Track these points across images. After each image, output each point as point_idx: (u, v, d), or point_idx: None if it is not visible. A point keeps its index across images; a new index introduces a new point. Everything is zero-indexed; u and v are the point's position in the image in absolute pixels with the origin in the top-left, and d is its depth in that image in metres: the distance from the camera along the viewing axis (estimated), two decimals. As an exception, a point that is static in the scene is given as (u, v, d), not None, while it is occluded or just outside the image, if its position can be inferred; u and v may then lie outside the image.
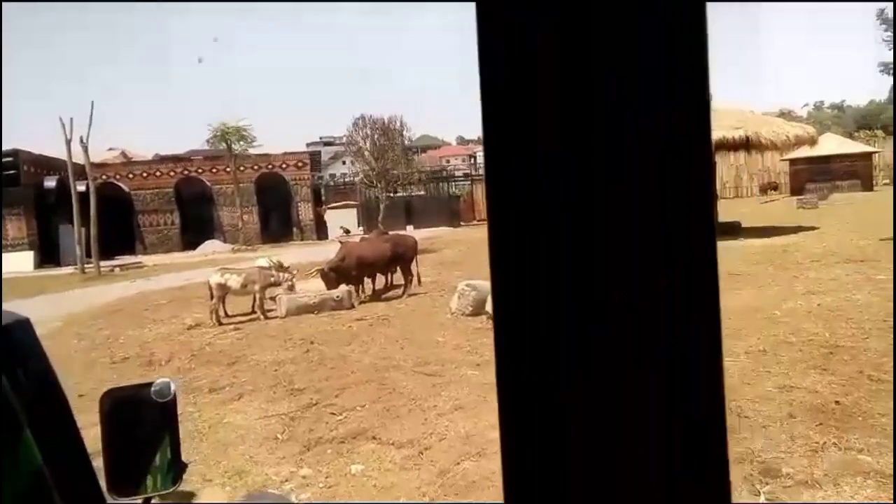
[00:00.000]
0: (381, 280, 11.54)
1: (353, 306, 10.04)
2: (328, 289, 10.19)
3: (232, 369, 6.94)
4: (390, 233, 13.72)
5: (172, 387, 0.84)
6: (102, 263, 21.22)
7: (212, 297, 9.83)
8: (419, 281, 11.08)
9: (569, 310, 0.41)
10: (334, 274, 10.30)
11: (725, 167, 32.76)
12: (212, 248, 28.71)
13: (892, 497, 3.16)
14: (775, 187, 31.75)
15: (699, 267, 0.42)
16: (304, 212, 33.03)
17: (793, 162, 30.34)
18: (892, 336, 5.47)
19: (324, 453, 4.41)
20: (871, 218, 16.97)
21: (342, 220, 32.75)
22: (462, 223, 32.72)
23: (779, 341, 5.96)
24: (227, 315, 10.15)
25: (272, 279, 9.99)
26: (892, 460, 3.44)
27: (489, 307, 6.73)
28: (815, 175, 29.48)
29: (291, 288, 10.03)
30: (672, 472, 0.41)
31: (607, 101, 0.40)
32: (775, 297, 7.86)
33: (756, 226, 16.58)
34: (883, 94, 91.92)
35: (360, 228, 32.30)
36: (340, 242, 10.98)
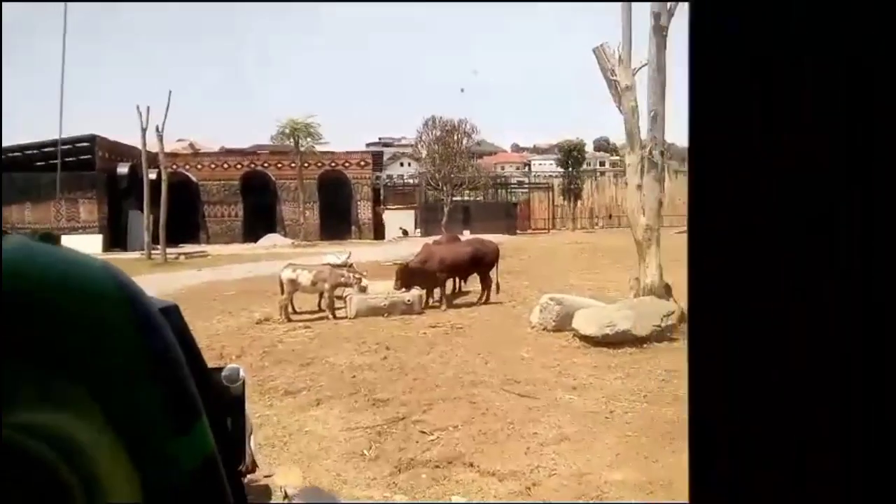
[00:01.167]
0: (449, 285, 11.14)
1: (422, 311, 9.70)
2: (400, 287, 9.87)
3: (307, 371, 6.66)
4: (468, 237, 13.38)
5: (242, 372, 0.83)
6: (168, 250, 21.55)
7: (282, 292, 9.64)
8: (498, 288, 10.64)
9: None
10: (412, 274, 9.97)
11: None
12: (272, 241, 28.95)
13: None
14: None
15: None
16: (364, 211, 33.03)
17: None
18: None
19: (418, 477, 4.03)
20: None
21: (400, 220, 32.57)
22: (518, 231, 32.20)
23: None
24: (295, 311, 9.95)
25: (342, 278, 9.73)
26: None
27: (576, 323, 6.18)
28: None
29: (364, 289, 9.74)
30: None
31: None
32: None
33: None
34: None
35: (418, 230, 32.11)
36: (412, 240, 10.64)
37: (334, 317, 9.58)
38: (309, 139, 30.43)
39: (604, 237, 27.65)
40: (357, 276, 9.87)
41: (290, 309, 9.72)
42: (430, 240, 21.29)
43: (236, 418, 0.84)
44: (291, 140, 30.40)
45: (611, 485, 3.75)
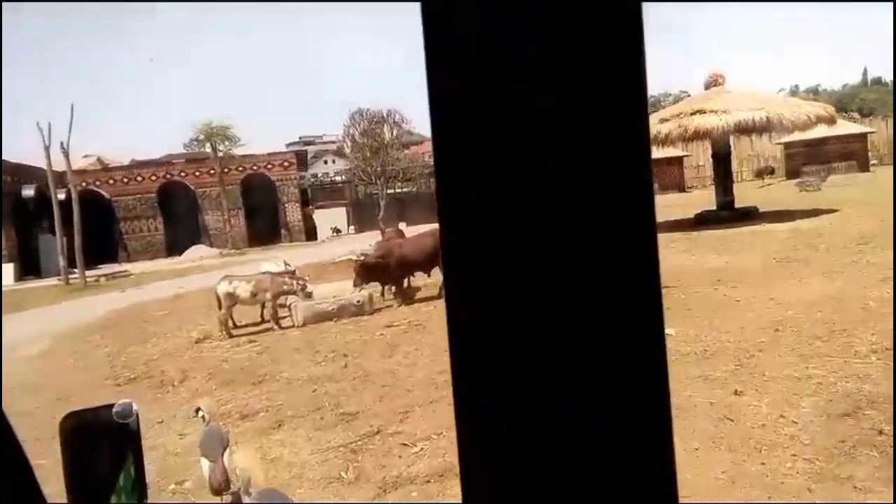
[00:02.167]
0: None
1: (373, 311, 9.29)
2: (360, 285, 9.41)
3: (261, 390, 6.16)
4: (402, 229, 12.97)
5: (135, 407, 0.82)
6: (87, 273, 20.17)
7: (220, 308, 9.00)
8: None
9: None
10: (371, 270, 9.50)
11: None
12: (198, 253, 27.67)
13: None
14: (772, 172, 31.35)
15: (642, 266, 0.41)
16: (292, 212, 32.06)
17: (787, 146, 30.02)
18: None
19: (409, 496, 3.67)
20: (883, 197, 16.59)
21: (331, 219, 31.77)
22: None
23: None
24: (236, 326, 9.35)
25: (285, 286, 9.18)
26: None
27: None
28: (810, 158, 29.15)
29: (309, 295, 9.23)
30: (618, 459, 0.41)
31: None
32: (852, 285, 7.24)
33: (770, 210, 16.08)
34: (855, 78, 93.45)
35: (352, 228, 31.45)
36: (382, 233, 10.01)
37: (280, 327, 9.04)
38: (227, 143, 29.18)
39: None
40: (300, 281, 9.34)
41: (230, 324, 9.11)
42: (365, 236, 20.82)
43: (135, 455, 0.83)
44: (208, 145, 29.07)
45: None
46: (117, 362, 8.30)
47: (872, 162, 29.84)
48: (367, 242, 9.88)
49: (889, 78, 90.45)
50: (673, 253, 11.16)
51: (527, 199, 0.41)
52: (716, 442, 3.74)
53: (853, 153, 29.29)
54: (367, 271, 9.51)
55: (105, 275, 21.82)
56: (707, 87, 15.73)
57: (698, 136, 14.47)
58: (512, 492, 0.43)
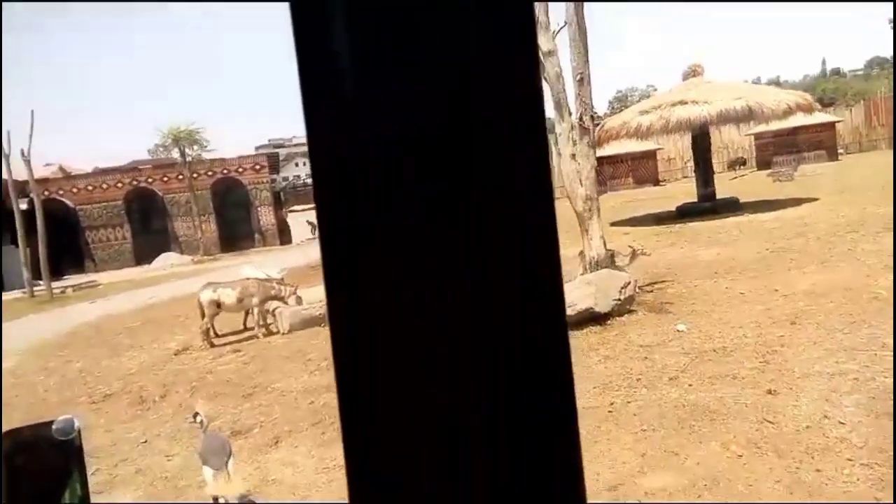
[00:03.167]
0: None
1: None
2: None
3: (253, 403, 5.77)
4: None
5: (76, 423, 0.80)
6: (53, 285, 19.36)
7: (202, 316, 8.54)
8: None
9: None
10: None
11: (685, 145, 32.60)
12: (169, 260, 26.83)
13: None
14: (744, 162, 31.57)
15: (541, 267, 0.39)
16: (266, 216, 31.31)
17: (758, 136, 30.25)
18: None
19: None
20: (858, 185, 16.73)
21: (306, 222, 31.09)
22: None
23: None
24: (217, 335, 8.90)
25: (273, 291, 8.76)
26: None
27: None
28: (780, 148, 29.42)
29: (299, 300, 8.82)
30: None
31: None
32: (855, 274, 7.09)
33: (750, 201, 16.07)
34: (815, 69, 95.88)
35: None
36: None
37: (269, 333, 8.64)
38: (195, 147, 28.39)
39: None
40: (290, 287, 8.94)
41: (212, 333, 8.66)
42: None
43: (79, 472, 0.82)
44: (176, 150, 28.25)
45: (651, 495, 3.22)
46: (91, 378, 7.81)
47: (839, 150, 30.25)
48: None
49: (847, 69, 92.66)
50: (661, 246, 11.00)
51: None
52: (760, 448, 3.48)
53: (822, 142, 29.60)
54: None
55: (72, 286, 21.00)
56: (685, 77, 15.64)
57: (680, 127, 14.36)
58: None
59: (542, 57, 8.34)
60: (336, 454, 4.29)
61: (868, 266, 7.42)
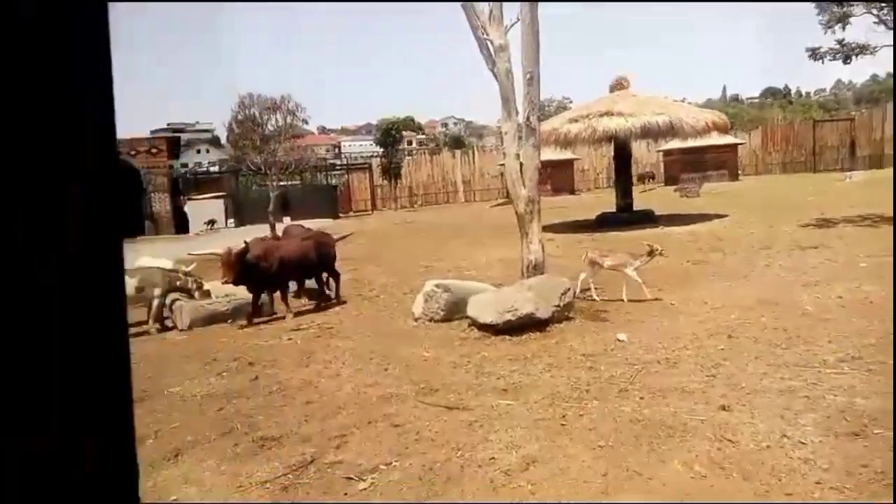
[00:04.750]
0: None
1: (273, 313, 8.25)
2: (230, 282, 7.63)
3: (146, 409, 5.03)
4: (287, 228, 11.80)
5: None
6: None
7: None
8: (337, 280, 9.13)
9: None
10: (247, 268, 7.64)
11: (597, 157, 33.46)
12: (52, 245, 24.57)
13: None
14: (652, 176, 32.70)
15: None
16: (160, 203, 29.36)
17: (666, 153, 31.46)
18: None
19: (368, 552, 2.87)
20: (761, 204, 17.57)
21: (207, 212, 29.32)
22: (341, 214, 30.86)
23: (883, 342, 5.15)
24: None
25: (178, 282, 7.93)
26: None
27: (472, 311, 5.33)
28: (686, 166, 30.72)
29: (207, 294, 8.03)
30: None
31: None
32: (780, 290, 7.18)
33: (665, 214, 16.49)
34: (716, 94, 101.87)
35: (231, 221, 29.40)
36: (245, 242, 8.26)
37: (162, 328, 7.81)
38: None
39: (429, 214, 27.30)
40: (197, 280, 8.13)
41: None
42: (246, 231, 19.27)
43: None
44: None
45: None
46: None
47: (739, 171, 32.01)
48: (248, 237, 8.23)
49: (745, 96, 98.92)
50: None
51: None
52: (725, 469, 3.24)
53: (725, 163, 31.16)
54: (240, 267, 7.58)
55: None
56: (612, 89, 15.84)
57: (606, 137, 14.48)
58: None
59: (493, 51, 8.02)
60: (249, 469, 3.72)
61: (788, 282, 7.57)
